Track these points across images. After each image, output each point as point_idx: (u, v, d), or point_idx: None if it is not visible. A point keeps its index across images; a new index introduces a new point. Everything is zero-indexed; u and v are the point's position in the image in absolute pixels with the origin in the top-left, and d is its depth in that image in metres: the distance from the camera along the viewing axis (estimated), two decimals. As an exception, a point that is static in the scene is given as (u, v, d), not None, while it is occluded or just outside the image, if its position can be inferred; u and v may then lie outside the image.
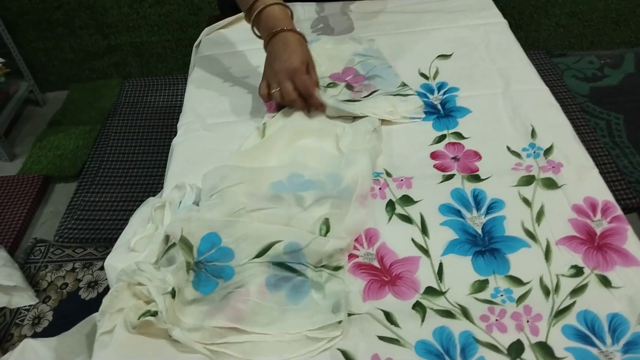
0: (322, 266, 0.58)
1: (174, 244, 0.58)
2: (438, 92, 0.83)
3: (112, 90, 2.11)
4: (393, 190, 0.67)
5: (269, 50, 0.77)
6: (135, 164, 1.80)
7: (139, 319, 0.51)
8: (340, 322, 0.52)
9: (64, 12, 1.94)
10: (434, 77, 0.86)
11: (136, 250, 0.61)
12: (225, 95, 0.86)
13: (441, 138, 0.75)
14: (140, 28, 2.00)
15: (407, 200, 0.66)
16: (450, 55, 0.90)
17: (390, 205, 0.65)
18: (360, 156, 0.69)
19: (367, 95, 0.82)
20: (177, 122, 2.13)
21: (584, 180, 0.66)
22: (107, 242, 1.53)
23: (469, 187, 0.67)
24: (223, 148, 0.76)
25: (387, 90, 0.82)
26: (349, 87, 0.85)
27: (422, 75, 0.87)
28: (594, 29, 2.00)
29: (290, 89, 0.75)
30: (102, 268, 1.50)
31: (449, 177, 0.68)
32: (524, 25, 2.00)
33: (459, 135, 0.75)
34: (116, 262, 0.60)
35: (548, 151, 0.70)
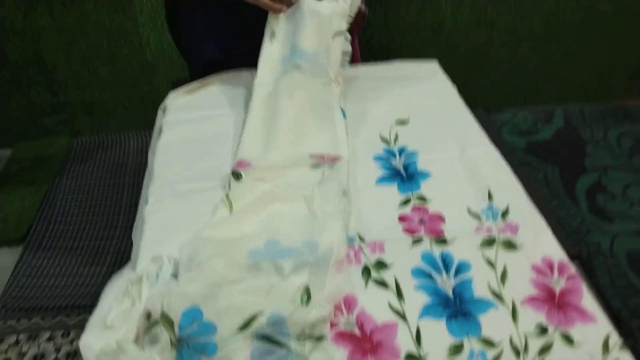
0: (306, 337, 0.59)
1: (156, 322, 0.58)
2: (399, 156, 0.88)
3: (60, 149, 2.05)
4: (367, 255, 0.70)
5: None
6: (85, 224, 1.74)
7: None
8: None
9: (10, 69, 1.90)
10: (395, 142, 0.92)
11: (113, 327, 0.60)
12: (195, 161, 0.87)
13: (406, 201, 0.79)
14: (91, 86, 1.98)
15: (381, 265, 0.69)
16: (408, 119, 0.97)
17: (366, 271, 0.68)
18: (333, 221, 0.72)
19: None
20: (128, 181, 2.08)
21: (539, 241, 0.72)
22: (56, 311, 1.45)
23: (437, 250, 0.70)
24: (196, 216, 0.76)
25: None
26: None
27: (384, 140, 0.92)
28: (526, 86, 2.18)
29: None
30: (49, 339, 1.42)
31: (418, 241, 0.72)
32: (463, 83, 2.12)
33: (422, 198, 0.80)
34: (93, 341, 0.58)
35: (505, 213, 0.76)
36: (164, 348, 0.55)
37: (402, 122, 0.96)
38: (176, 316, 0.59)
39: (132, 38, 1.86)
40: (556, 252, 0.70)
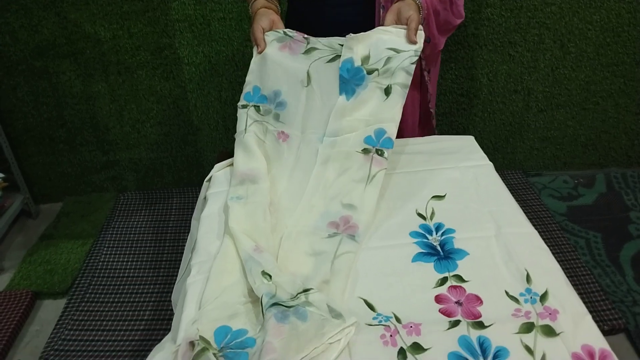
0: (296, 296, 0.74)
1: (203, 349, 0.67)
2: (436, 233, 0.89)
3: (106, 204, 2.15)
4: (403, 337, 0.71)
5: None
6: (127, 279, 1.80)
7: None
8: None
9: (66, 130, 2.03)
10: (431, 218, 0.93)
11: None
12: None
13: (443, 280, 0.80)
14: (139, 146, 2.09)
15: (417, 347, 0.69)
16: (444, 196, 0.98)
17: (402, 354, 0.68)
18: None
19: None
20: (169, 237, 2.12)
21: (579, 327, 0.70)
22: (95, 367, 1.49)
23: (474, 334, 0.70)
24: (237, 290, 0.79)
25: None
26: None
27: (420, 215, 0.94)
28: (565, 151, 2.16)
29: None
30: (87, 393, 1.45)
31: (455, 324, 0.72)
32: (500, 147, 2.14)
33: (459, 278, 0.80)
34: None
35: (544, 297, 0.75)
36: None
37: (438, 198, 0.98)
38: (209, 335, 0.70)
39: (181, 103, 1.97)
40: (597, 340, 0.69)
